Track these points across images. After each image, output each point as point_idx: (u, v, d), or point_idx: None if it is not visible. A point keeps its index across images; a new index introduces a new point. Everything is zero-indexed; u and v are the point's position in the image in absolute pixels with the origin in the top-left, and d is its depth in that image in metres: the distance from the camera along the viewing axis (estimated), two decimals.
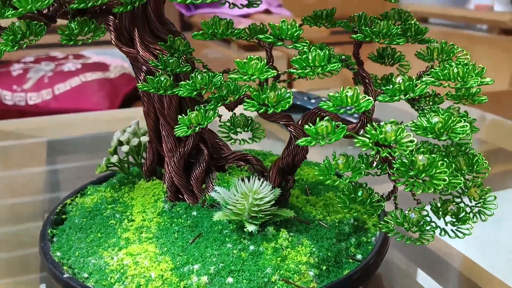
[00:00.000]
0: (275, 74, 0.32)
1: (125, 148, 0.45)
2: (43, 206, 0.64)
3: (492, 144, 0.75)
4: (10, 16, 0.33)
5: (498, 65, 1.91)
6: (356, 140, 0.30)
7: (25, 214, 0.61)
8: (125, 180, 0.46)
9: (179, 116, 0.34)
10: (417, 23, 0.37)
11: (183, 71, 0.38)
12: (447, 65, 0.33)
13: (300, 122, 0.39)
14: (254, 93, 0.32)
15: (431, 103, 0.35)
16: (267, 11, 1.94)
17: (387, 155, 0.28)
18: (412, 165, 0.29)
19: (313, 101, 0.82)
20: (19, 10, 0.33)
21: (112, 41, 0.43)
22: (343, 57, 0.42)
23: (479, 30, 2.08)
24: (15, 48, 0.34)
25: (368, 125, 0.30)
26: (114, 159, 0.45)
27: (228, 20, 0.35)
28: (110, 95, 1.48)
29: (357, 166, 0.30)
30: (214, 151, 0.45)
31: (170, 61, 0.37)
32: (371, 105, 0.30)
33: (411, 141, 0.28)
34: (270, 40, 0.33)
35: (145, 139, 0.46)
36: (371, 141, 0.29)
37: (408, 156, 0.29)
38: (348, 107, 0.33)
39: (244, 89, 0.34)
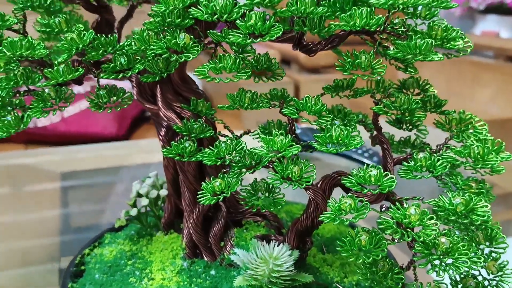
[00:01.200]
0: (299, 149, 0.32)
1: (144, 201, 0.45)
2: (58, 247, 0.64)
3: (503, 188, 0.75)
4: (41, 86, 0.34)
5: (505, 91, 1.92)
6: (379, 221, 0.30)
7: (40, 255, 0.61)
8: (143, 232, 0.47)
9: (203, 184, 0.35)
10: (436, 94, 0.38)
11: (207, 136, 0.38)
12: (467, 143, 0.34)
13: (319, 185, 0.39)
14: (278, 168, 0.32)
15: (451, 177, 0.36)
16: None
17: (412, 239, 0.29)
18: (435, 247, 0.30)
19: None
20: (51, 81, 0.34)
21: (134, 97, 0.44)
22: (360, 116, 0.43)
23: (486, 56, 2.10)
24: (45, 115, 0.35)
25: (393, 207, 0.30)
26: (134, 212, 0.45)
27: (252, 92, 0.36)
28: (118, 118, 1.49)
29: (379, 243, 0.31)
30: (231, 205, 0.46)
31: (195, 126, 0.38)
32: (394, 184, 0.31)
33: (435, 224, 0.29)
34: (294, 116, 0.34)
35: (164, 192, 0.46)
36: (394, 221, 0.30)
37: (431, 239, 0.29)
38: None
39: (267, 159, 0.34)
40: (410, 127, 0.40)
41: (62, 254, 0.59)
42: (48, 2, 0.39)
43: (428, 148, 0.40)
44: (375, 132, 0.41)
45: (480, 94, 1.98)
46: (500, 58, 2.02)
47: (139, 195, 0.47)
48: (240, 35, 0.31)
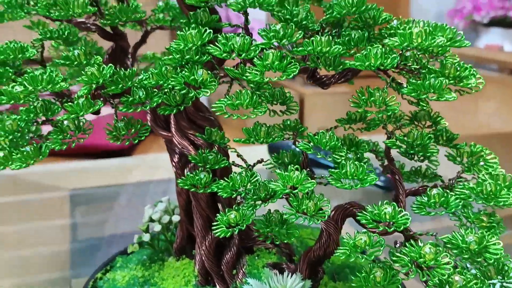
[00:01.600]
0: (314, 185, 0.33)
1: (157, 227, 0.46)
2: (68, 266, 0.65)
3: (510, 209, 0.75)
4: (62, 119, 0.35)
5: (508, 105, 1.93)
6: (394, 258, 0.31)
7: (51, 278, 0.62)
8: (154, 257, 0.47)
9: (218, 216, 0.36)
10: (448, 128, 0.38)
11: (221, 166, 0.39)
12: (479, 178, 0.34)
13: (331, 215, 0.40)
14: (294, 203, 0.33)
15: (463, 210, 0.36)
16: (279, 47, 1.97)
17: (426, 277, 0.29)
18: (449, 285, 0.30)
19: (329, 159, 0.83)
20: (71, 115, 0.34)
21: (148, 123, 0.44)
22: (370, 144, 0.43)
23: (489, 69, 2.10)
24: (64, 147, 0.36)
25: (407, 244, 0.31)
26: (147, 238, 0.46)
27: (268, 126, 0.36)
28: None
29: (394, 279, 0.31)
30: (243, 232, 0.46)
31: (210, 157, 0.38)
32: (409, 222, 0.31)
33: (449, 263, 0.29)
34: (309, 151, 0.35)
35: (176, 218, 0.47)
36: (409, 259, 0.30)
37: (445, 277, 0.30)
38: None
39: (282, 193, 0.35)
40: (422, 158, 0.40)
41: (72, 275, 0.60)
42: (66, 33, 0.40)
43: (439, 180, 0.40)
44: (386, 162, 0.42)
45: (484, 107, 1.98)
46: (504, 72, 2.02)
47: (151, 220, 0.47)
48: (257, 73, 0.32)
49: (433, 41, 0.30)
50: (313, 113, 1.63)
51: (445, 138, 0.38)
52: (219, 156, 0.39)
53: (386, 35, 0.35)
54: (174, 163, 0.45)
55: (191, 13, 0.37)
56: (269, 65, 0.32)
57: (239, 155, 0.41)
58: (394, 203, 0.32)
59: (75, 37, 0.41)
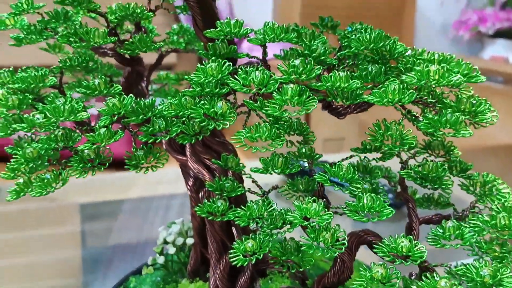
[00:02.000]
0: (332, 217, 0.33)
1: (171, 250, 0.46)
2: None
3: None
4: (83, 148, 0.35)
5: None
6: None
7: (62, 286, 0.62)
8: (168, 278, 0.48)
9: (235, 244, 0.36)
10: (461, 159, 0.39)
11: (237, 194, 0.39)
12: (493, 209, 0.35)
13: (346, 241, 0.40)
14: (311, 234, 0.34)
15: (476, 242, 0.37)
16: None
17: None
18: None
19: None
20: (93, 146, 0.35)
21: (164, 147, 0.45)
22: (383, 171, 0.44)
23: (495, 81, 2.11)
24: (85, 175, 0.37)
25: (423, 277, 0.31)
26: (161, 260, 0.46)
27: (285, 156, 0.37)
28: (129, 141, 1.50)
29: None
30: None
31: (226, 185, 0.39)
32: (425, 255, 0.32)
33: None
34: (327, 184, 0.35)
35: (190, 241, 0.47)
36: None
37: None
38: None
39: (298, 223, 0.35)
40: (436, 186, 0.41)
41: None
42: (85, 62, 0.41)
43: (452, 208, 0.41)
44: (399, 188, 0.43)
45: None
46: (509, 84, 2.03)
47: (165, 242, 0.48)
48: (276, 107, 0.32)
49: (450, 80, 0.31)
50: (319, 124, 1.64)
51: (458, 169, 0.38)
52: (235, 183, 0.39)
53: (402, 69, 0.36)
54: (188, 187, 0.46)
55: (210, 44, 0.37)
56: (288, 100, 0.32)
57: (254, 181, 0.42)
58: (410, 236, 0.33)
59: (94, 65, 0.42)
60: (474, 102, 0.34)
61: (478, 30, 2.29)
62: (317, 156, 0.41)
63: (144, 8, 0.40)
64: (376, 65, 0.35)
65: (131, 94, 0.36)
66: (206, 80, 0.34)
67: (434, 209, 0.43)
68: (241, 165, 0.41)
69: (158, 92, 0.56)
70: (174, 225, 0.49)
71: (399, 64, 0.37)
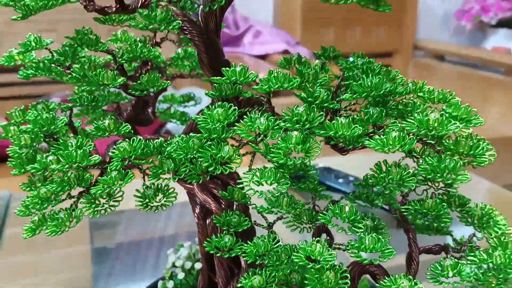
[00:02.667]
0: (335, 258, 0.35)
1: (181, 275, 0.48)
2: None
3: None
4: (95, 191, 0.37)
5: None
6: None
7: None
8: None
9: (242, 279, 0.38)
10: (461, 195, 0.40)
11: (244, 229, 0.41)
12: (490, 244, 0.36)
13: (348, 272, 0.42)
14: (315, 275, 0.35)
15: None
16: (286, 52, 1.98)
17: None
18: None
19: (340, 180, 0.85)
20: (106, 190, 0.36)
21: (171, 176, 0.46)
22: (385, 199, 0.45)
23: (496, 72, 2.11)
24: (98, 214, 0.38)
25: None
26: (171, 284, 0.48)
27: (289, 196, 0.38)
28: None
29: None
30: None
31: (233, 220, 0.41)
32: None
33: None
34: (331, 225, 0.37)
35: (198, 265, 0.49)
36: None
37: None
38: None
39: (302, 264, 0.37)
40: (435, 223, 0.42)
41: None
42: (96, 100, 0.42)
43: (450, 235, 0.42)
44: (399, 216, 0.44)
45: (490, 111, 1.99)
46: (511, 75, 2.03)
47: (174, 265, 0.49)
48: (280, 155, 0.34)
49: (449, 129, 0.32)
50: None
51: (457, 204, 0.39)
52: (241, 218, 0.41)
53: (403, 111, 0.37)
54: (196, 214, 0.48)
55: (216, 85, 0.38)
56: (292, 147, 0.33)
57: (259, 212, 0.43)
58: (410, 276, 0.34)
59: (103, 103, 0.43)
60: (471, 144, 0.35)
61: (480, 19, 2.28)
62: (321, 188, 0.42)
63: (150, 47, 0.41)
64: (377, 108, 0.36)
65: (140, 137, 0.37)
66: (213, 126, 0.35)
67: (432, 234, 0.45)
68: (246, 196, 0.43)
69: (164, 114, 0.57)
70: (183, 249, 0.50)
71: (399, 105, 0.38)
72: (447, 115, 0.35)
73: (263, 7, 2.28)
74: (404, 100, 0.38)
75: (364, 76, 0.38)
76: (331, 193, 0.87)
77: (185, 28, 0.40)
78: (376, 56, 2.39)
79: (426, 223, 0.44)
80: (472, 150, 0.35)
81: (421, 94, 0.39)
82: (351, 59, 0.44)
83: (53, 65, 0.43)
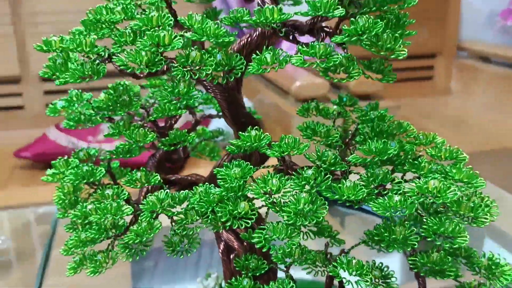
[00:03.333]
0: None
1: None
2: None
3: None
4: (128, 239, 0.41)
5: None
6: None
7: None
8: None
9: None
10: (467, 247, 0.42)
11: (261, 273, 0.45)
12: None
13: None
14: None
15: None
16: None
17: None
18: None
19: None
20: (136, 239, 0.41)
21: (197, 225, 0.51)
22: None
23: None
24: (130, 258, 0.43)
25: None
26: None
27: (302, 248, 0.41)
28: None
29: None
30: None
31: (252, 264, 0.44)
32: None
33: None
34: (338, 278, 0.40)
35: None
36: None
37: None
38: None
39: None
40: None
41: None
42: (129, 153, 0.46)
43: (458, 281, 0.44)
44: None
45: None
46: None
47: None
48: (291, 214, 0.37)
49: (447, 197, 0.34)
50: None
51: (463, 255, 0.41)
52: (259, 262, 0.44)
53: (409, 169, 0.39)
54: (220, 250, 0.52)
55: (234, 142, 0.42)
56: (300, 210, 0.37)
57: (273, 260, 0.47)
58: None
59: (135, 151, 0.47)
60: (472, 206, 0.37)
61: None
62: (335, 233, 0.45)
63: (179, 106, 0.45)
64: (382, 170, 0.38)
65: (167, 191, 0.42)
66: (231, 185, 0.39)
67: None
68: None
69: (194, 150, 0.61)
70: (210, 279, 0.55)
71: (407, 160, 0.40)
72: (450, 177, 0.37)
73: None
74: (413, 155, 0.40)
75: (372, 135, 0.41)
76: (366, 214, 0.89)
77: (208, 87, 0.44)
78: (418, 57, 2.36)
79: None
80: (473, 211, 0.37)
81: (429, 150, 0.41)
82: (366, 108, 0.47)
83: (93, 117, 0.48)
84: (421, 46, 2.33)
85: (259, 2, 0.42)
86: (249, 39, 0.41)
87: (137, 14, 0.40)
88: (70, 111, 0.48)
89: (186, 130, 0.45)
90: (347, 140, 0.45)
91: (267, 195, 0.38)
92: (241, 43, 0.41)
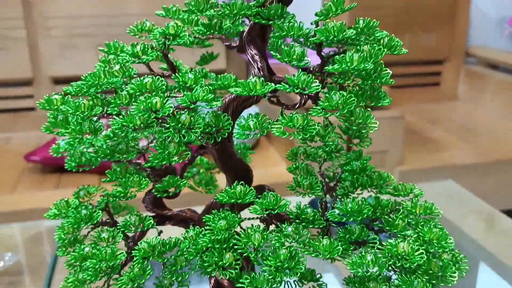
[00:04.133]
0: None
1: None
2: None
3: None
4: (122, 285, 0.44)
5: None
6: None
7: None
8: None
9: None
10: None
11: None
12: None
13: None
14: None
15: None
16: None
17: None
18: None
19: None
20: (129, 283, 0.44)
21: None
22: None
23: None
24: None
25: None
26: None
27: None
28: None
29: None
30: None
31: None
32: None
33: None
34: None
35: None
36: None
37: None
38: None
39: None
40: None
41: None
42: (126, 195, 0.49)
43: None
44: None
45: None
46: None
47: None
48: (271, 268, 0.40)
49: (414, 260, 0.37)
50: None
51: None
52: None
53: (384, 226, 0.42)
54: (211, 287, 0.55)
55: (224, 190, 0.45)
56: (280, 264, 0.39)
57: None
58: None
59: (133, 196, 0.50)
60: (441, 265, 0.39)
61: None
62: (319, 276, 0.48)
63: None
64: (359, 227, 0.41)
65: (158, 237, 0.45)
66: (218, 237, 0.42)
67: None
68: None
69: (191, 184, 0.64)
70: None
71: (384, 215, 0.43)
72: (421, 237, 0.39)
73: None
74: (389, 209, 0.42)
75: (351, 189, 0.43)
76: None
77: (200, 138, 0.46)
78: (426, 63, 2.36)
79: None
80: (442, 270, 0.39)
81: (405, 204, 0.43)
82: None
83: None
84: (429, 52, 2.33)
85: (249, 58, 0.44)
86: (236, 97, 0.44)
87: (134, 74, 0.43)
88: (72, 152, 0.51)
89: (177, 178, 0.48)
90: (332, 185, 0.47)
91: (251, 249, 0.40)
92: (226, 100, 0.44)
